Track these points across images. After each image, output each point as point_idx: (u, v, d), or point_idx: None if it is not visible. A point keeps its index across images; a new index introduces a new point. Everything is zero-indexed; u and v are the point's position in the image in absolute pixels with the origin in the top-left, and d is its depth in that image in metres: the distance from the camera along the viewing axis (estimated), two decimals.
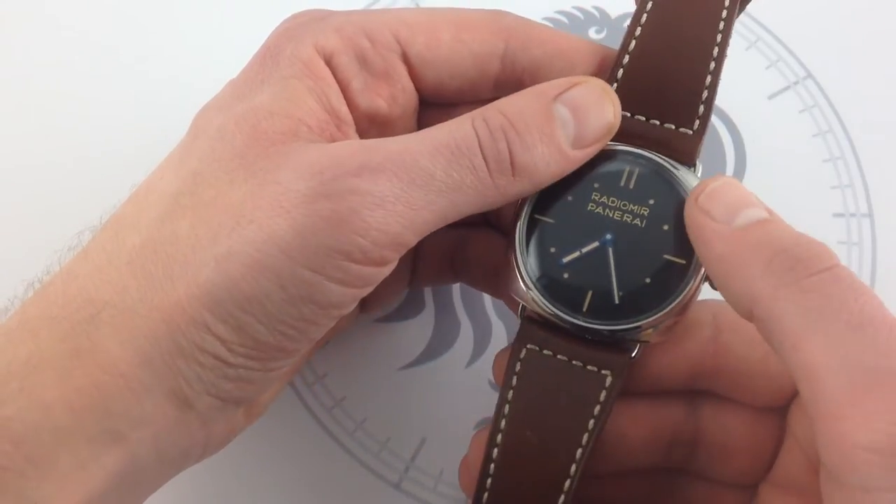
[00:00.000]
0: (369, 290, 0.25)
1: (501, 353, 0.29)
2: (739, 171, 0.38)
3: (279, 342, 0.24)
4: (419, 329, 0.36)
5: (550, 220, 0.26)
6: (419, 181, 0.24)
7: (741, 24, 0.41)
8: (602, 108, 0.26)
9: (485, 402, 0.35)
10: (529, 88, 0.26)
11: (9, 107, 0.39)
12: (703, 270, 0.26)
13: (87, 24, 0.40)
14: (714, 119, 0.39)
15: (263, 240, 0.23)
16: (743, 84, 0.40)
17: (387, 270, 0.24)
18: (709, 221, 0.24)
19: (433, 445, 0.34)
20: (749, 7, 0.41)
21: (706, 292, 0.27)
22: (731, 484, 0.28)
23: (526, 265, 0.26)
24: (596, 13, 0.41)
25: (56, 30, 0.40)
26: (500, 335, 0.36)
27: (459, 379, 0.35)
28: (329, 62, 0.26)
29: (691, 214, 0.25)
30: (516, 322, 0.34)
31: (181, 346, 0.23)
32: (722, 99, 0.39)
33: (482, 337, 0.36)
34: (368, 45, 0.26)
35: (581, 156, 0.26)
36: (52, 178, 0.37)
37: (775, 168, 0.38)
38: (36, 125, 0.39)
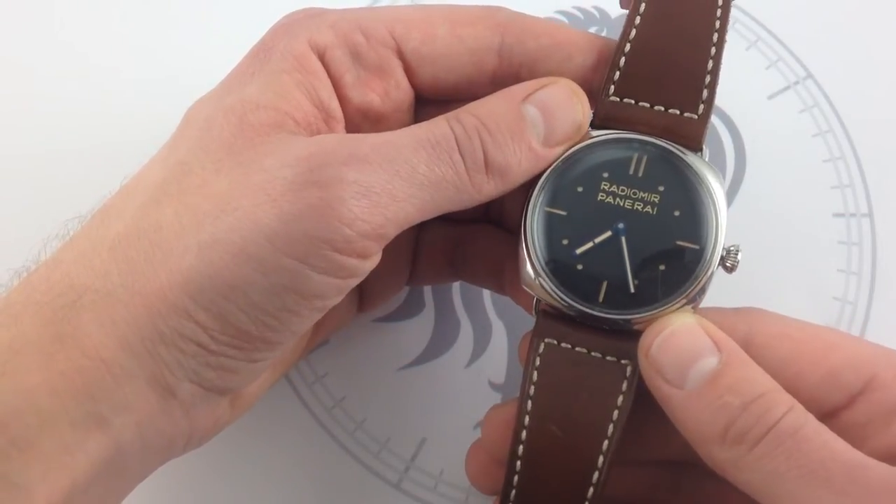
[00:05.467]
0: (354, 282, 0.25)
1: (529, 334, 0.29)
2: (739, 171, 0.38)
3: (262, 332, 0.24)
4: (419, 329, 0.36)
5: (561, 212, 0.27)
6: (403, 173, 0.24)
7: (741, 24, 0.41)
8: (571, 107, 0.26)
9: (485, 402, 0.35)
10: (499, 91, 0.26)
11: (2, 99, 0.39)
12: (718, 253, 0.26)
13: (85, 20, 0.40)
14: (714, 119, 0.39)
15: (248, 227, 0.23)
16: (743, 84, 0.40)
17: (370, 264, 0.25)
18: (663, 384, 0.24)
19: (433, 445, 0.34)
20: (749, 7, 0.41)
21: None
22: None
23: (539, 258, 0.26)
24: (596, 13, 0.41)
25: (53, 26, 0.40)
26: (500, 335, 0.36)
27: (459, 379, 0.35)
28: (322, 57, 0.26)
29: (645, 372, 0.25)
30: (516, 322, 0.34)
31: (162, 332, 0.23)
32: (722, 99, 0.39)
33: (482, 337, 0.36)
34: (363, 40, 0.27)
35: (552, 154, 0.26)
36: (43, 169, 0.37)
37: (775, 168, 0.38)
38: (30, 118, 0.38)
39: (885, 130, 0.39)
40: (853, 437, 0.25)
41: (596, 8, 0.41)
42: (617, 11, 0.40)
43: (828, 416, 0.26)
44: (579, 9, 0.41)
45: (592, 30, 0.40)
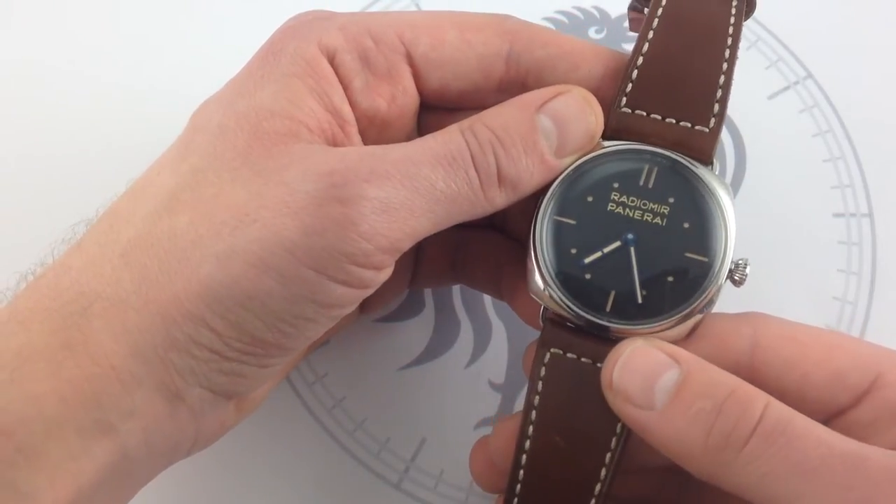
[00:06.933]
0: (369, 292, 0.25)
1: (534, 344, 0.29)
2: (739, 170, 0.38)
3: (277, 339, 0.24)
4: (419, 329, 0.36)
5: (571, 221, 0.26)
6: (422, 190, 0.24)
7: None
8: (584, 117, 0.26)
9: (485, 402, 0.35)
10: (514, 99, 0.26)
11: (8, 101, 0.39)
12: (726, 267, 0.26)
13: (89, 20, 0.40)
14: None
15: (269, 238, 0.23)
16: (743, 84, 0.39)
17: (384, 275, 0.25)
18: (634, 410, 0.24)
19: (433, 445, 0.34)
20: None
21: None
22: None
23: (547, 267, 0.26)
24: (596, 13, 0.41)
25: (57, 27, 0.40)
26: (500, 335, 0.36)
27: (459, 379, 0.35)
28: (332, 60, 0.26)
29: (614, 405, 0.25)
30: (517, 322, 0.34)
31: (175, 339, 0.23)
32: None
33: (482, 337, 0.36)
34: (372, 44, 0.26)
35: (563, 164, 0.26)
36: (48, 171, 0.38)
37: (775, 168, 0.38)
38: (34, 119, 0.38)
39: (885, 130, 0.39)
40: (858, 436, 0.25)
41: (596, 8, 0.41)
42: (617, 11, 0.41)
43: (834, 416, 0.26)
44: (579, 9, 0.41)
45: (593, 30, 0.40)
